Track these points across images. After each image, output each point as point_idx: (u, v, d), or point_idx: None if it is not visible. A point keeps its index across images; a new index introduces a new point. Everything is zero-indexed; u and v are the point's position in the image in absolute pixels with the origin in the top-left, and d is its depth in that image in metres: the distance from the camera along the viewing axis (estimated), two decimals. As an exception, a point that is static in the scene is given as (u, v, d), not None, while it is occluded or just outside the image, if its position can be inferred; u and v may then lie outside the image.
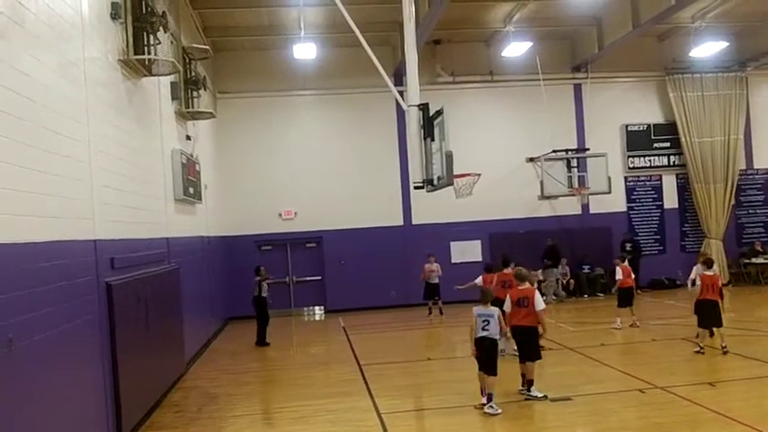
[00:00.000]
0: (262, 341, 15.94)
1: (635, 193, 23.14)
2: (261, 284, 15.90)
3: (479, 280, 14.37)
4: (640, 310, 16.73)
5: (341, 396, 10.86)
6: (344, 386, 11.53)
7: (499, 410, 9.29)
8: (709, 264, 12.61)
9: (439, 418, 9.77)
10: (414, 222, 21.78)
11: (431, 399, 10.79)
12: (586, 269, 21.95)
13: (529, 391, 10.07)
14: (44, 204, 6.79)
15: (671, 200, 23.28)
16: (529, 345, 10.09)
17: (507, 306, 10.20)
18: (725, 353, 12.07)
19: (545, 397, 9.94)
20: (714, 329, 12.55)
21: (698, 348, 12.34)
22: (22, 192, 6.27)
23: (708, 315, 12.29)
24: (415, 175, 12.23)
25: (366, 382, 11.68)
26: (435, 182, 12.00)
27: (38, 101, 6.80)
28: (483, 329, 9.54)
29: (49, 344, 6.57)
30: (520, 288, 10.21)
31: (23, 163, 6.33)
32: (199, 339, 15.27)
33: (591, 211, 22.46)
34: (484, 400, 9.49)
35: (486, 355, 9.54)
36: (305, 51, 18.73)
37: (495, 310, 9.64)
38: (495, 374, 9.51)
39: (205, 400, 11.27)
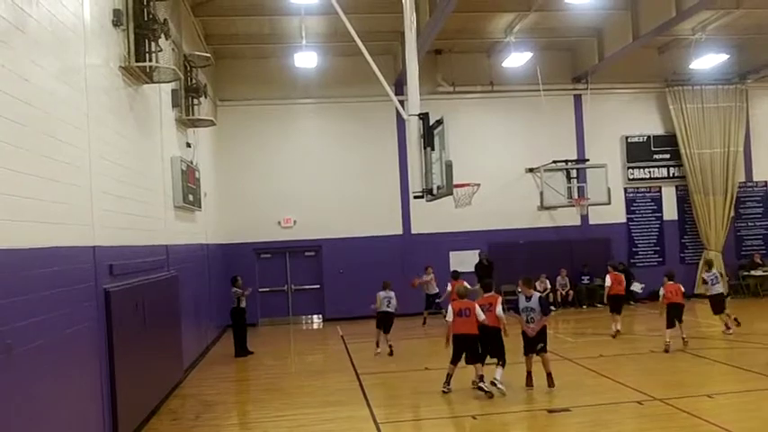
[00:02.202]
0: (243, 351, 15.84)
1: (634, 204, 23.14)
2: (238, 294, 15.85)
3: (450, 287, 16.37)
4: (639, 322, 16.74)
5: (338, 405, 10.83)
6: (342, 395, 11.49)
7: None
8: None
9: (436, 428, 9.75)
10: (413, 232, 21.77)
11: (428, 408, 10.74)
12: (585, 280, 21.94)
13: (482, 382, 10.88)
14: (44, 210, 6.78)
15: (670, 211, 23.28)
16: (475, 349, 11.02)
17: (450, 316, 11.01)
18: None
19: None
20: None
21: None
22: (21, 197, 6.26)
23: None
24: (415, 185, 12.28)
25: (364, 392, 11.64)
26: (435, 191, 12.04)
27: (38, 107, 6.80)
28: (387, 306, 14.89)
29: (47, 350, 6.55)
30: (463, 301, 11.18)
31: (23, 168, 6.33)
32: (197, 347, 15.23)
33: (590, 222, 22.46)
34: (378, 351, 14.75)
35: (387, 322, 14.85)
36: (306, 60, 18.78)
37: (393, 293, 15.08)
38: (388, 333, 14.87)
39: (202, 407, 11.24)
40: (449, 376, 11.07)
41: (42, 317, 6.52)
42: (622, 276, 16.47)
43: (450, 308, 11.12)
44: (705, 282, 15.90)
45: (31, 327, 6.24)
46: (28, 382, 6.15)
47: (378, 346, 15.00)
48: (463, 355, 11.00)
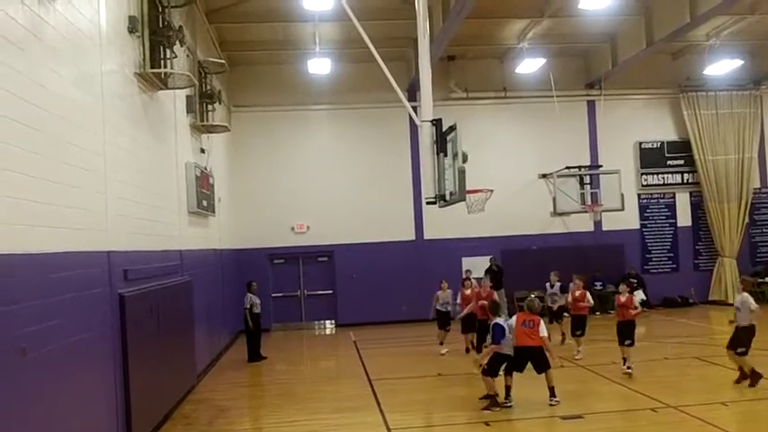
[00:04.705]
0: (256, 356, 15.87)
1: (648, 210, 23.03)
2: (253, 300, 15.91)
3: (458, 297, 15.86)
4: (653, 327, 16.65)
5: (351, 411, 10.83)
6: (355, 401, 11.49)
7: None
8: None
9: (449, 434, 9.73)
10: (425, 237, 21.76)
11: (441, 415, 10.73)
12: (599, 286, 21.81)
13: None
14: (59, 215, 6.84)
15: (684, 218, 23.16)
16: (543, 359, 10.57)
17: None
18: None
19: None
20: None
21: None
22: (37, 202, 6.32)
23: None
24: (428, 191, 12.26)
25: (376, 398, 11.63)
26: (447, 197, 12.01)
27: (55, 113, 6.87)
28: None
29: (61, 354, 6.60)
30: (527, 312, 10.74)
31: (39, 173, 6.39)
32: (210, 352, 15.28)
33: (604, 228, 22.36)
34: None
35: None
36: (319, 66, 18.86)
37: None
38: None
39: (215, 412, 11.27)
40: (508, 389, 10.56)
41: (58, 321, 6.57)
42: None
43: (514, 319, 10.64)
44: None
45: (46, 331, 6.29)
46: (43, 385, 6.20)
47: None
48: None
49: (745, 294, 11.37)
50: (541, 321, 10.59)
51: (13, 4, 6.04)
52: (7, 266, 5.66)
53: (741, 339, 11.20)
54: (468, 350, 15.26)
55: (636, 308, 12.61)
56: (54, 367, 6.44)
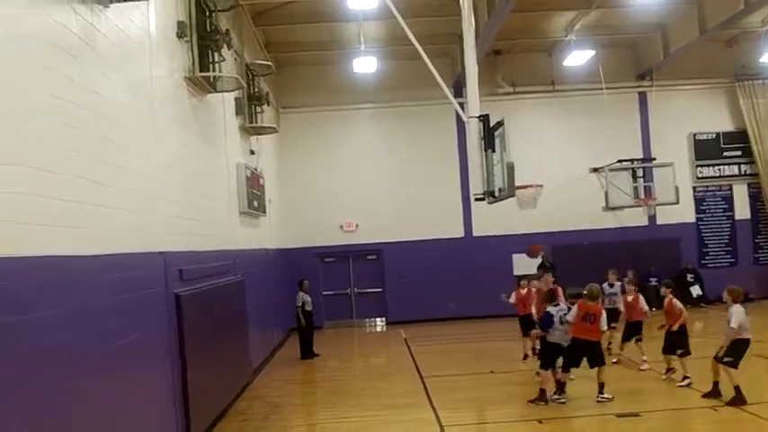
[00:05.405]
0: (308, 354, 16.02)
1: (704, 203, 22.46)
2: (305, 298, 16.04)
3: (513, 297, 14.21)
4: (711, 323, 16.21)
5: (403, 408, 10.84)
6: (407, 398, 11.50)
7: None
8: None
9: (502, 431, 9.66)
10: (475, 234, 21.64)
11: (494, 412, 10.68)
12: (654, 281, 21.33)
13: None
14: (113, 218, 6.98)
15: (743, 210, 22.51)
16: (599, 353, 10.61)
17: (572, 317, 10.45)
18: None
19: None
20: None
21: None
22: (92, 205, 6.46)
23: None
24: (476, 187, 12.19)
25: (428, 394, 11.63)
26: (496, 193, 11.92)
27: (108, 118, 7.02)
28: None
29: (121, 353, 6.74)
30: (590, 304, 10.56)
31: (94, 177, 6.53)
32: (263, 349, 15.48)
33: (658, 223, 21.91)
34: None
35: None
36: (365, 65, 18.91)
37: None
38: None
39: (270, 409, 11.42)
40: (563, 385, 10.53)
41: (116, 321, 6.71)
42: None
43: (575, 309, 10.49)
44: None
45: (105, 331, 6.42)
46: (102, 384, 6.32)
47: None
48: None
49: (737, 306, 10.13)
50: (603, 314, 10.52)
51: (67, 13, 6.20)
52: (64, 268, 5.79)
53: (734, 350, 9.91)
54: (525, 356, 14.05)
55: (680, 312, 11.31)
56: (114, 366, 6.56)
